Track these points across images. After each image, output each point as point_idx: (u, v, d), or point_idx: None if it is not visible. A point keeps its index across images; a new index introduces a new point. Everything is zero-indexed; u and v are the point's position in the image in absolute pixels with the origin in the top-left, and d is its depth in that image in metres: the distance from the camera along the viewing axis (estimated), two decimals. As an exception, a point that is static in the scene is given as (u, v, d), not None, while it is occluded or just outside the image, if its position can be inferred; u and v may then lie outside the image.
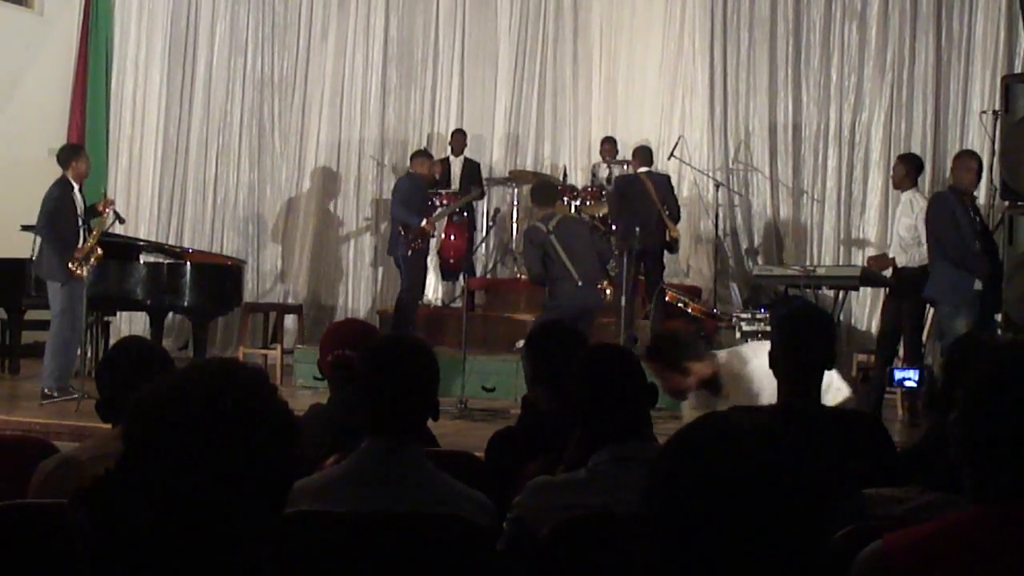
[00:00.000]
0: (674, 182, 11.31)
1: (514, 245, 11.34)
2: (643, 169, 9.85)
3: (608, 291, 8.90)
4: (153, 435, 1.45)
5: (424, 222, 9.93)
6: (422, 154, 10.53)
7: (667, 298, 9.84)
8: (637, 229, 9.23)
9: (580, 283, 8.52)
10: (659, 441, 3.08)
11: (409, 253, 10.08)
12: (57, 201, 8.71)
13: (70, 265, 8.50)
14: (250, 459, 1.45)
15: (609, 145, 10.96)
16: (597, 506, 2.58)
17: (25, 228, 10.11)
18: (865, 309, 10.54)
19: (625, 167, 10.64)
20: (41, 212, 8.77)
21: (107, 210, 8.96)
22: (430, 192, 10.73)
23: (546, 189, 9.23)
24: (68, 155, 9.02)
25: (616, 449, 2.70)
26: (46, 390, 8.47)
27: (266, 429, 1.48)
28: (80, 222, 8.80)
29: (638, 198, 9.63)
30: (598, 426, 2.76)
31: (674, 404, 7.87)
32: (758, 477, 1.34)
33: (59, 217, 8.67)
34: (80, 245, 8.63)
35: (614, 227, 9.96)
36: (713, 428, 1.43)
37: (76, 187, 8.86)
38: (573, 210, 10.41)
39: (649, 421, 2.87)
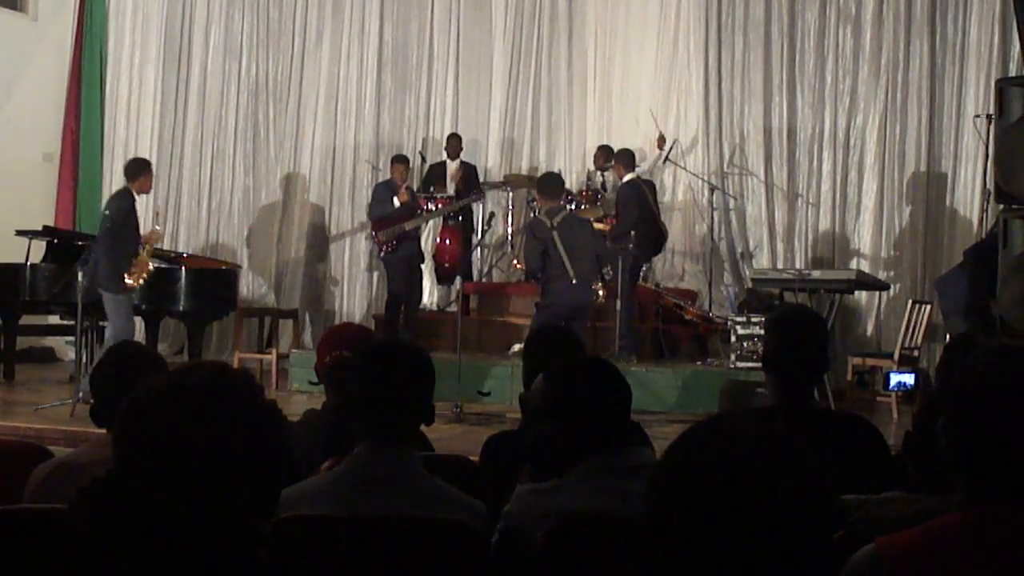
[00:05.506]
0: (668, 186, 11.40)
1: (510, 243, 11.34)
2: (631, 175, 9.91)
3: (601, 292, 8.94)
4: (142, 439, 1.46)
5: (379, 232, 10.12)
6: (396, 159, 10.77)
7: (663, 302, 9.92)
8: (632, 234, 9.39)
9: (574, 281, 8.59)
10: (653, 445, 3.09)
11: (381, 254, 10.19)
12: (124, 214, 8.67)
13: (127, 278, 8.48)
14: (239, 460, 1.45)
15: (601, 153, 10.95)
16: (588, 512, 2.56)
17: (20, 233, 10.11)
18: (860, 313, 10.56)
19: (602, 174, 10.78)
20: (104, 223, 8.71)
21: (157, 229, 9.13)
22: (423, 197, 10.80)
23: (554, 181, 9.28)
24: (138, 169, 8.92)
25: (607, 458, 2.64)
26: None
27: (254, 430, 1.48)
28: (139, 236, 8.85)
29: (644, 205, 9.70)
30: (584, 436, 2.67)
31: (668, 406, 7.93)
32: (762, 482, 1.35)
33: (123, 229, 8.64)
34: (135, 259, 8.67)
35: (630, 233, 9.91)
36: (716, 433, 1.43)
37: (136, 200, 8.87)
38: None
39: (630, 428, 2.85)
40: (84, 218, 12.40)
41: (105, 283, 8.50)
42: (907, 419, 8.30)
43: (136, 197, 8.83)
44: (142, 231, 8.85)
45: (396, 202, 10.30)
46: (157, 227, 9.29)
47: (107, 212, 8.78)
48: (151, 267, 8.81)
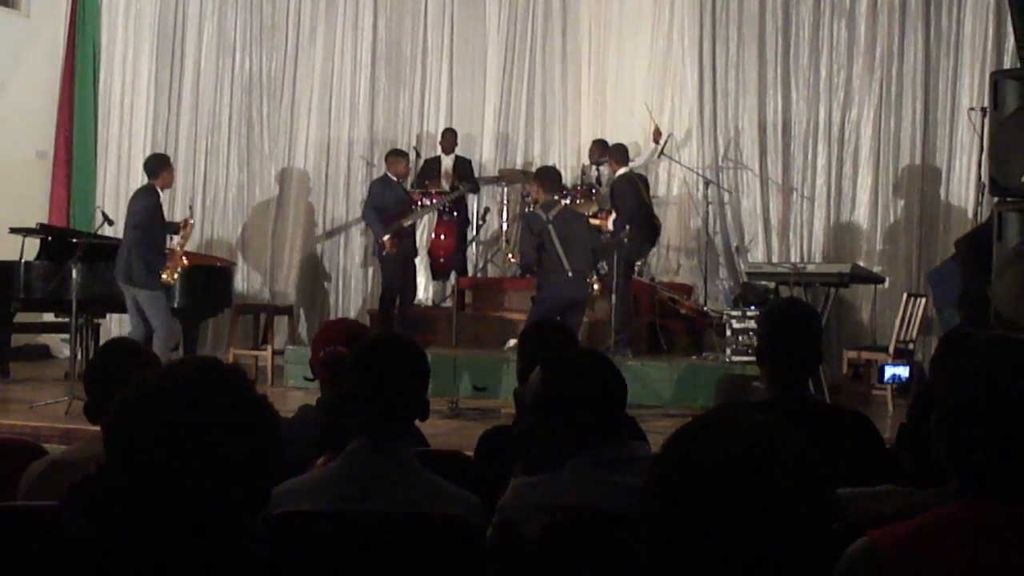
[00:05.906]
0: (663, 180, 11.39)
1: (505, 238, 11.34)
2: (624, 169, 9.92)
3: (596, 286, 8.96)
4: (133, 434, 1.45)
5: (387, 237, 9.96)
6: (395, 153, 10.61)
7: (657, 296, 9.92)
8: (627, 227, 9.38)
9: (570, 275, 8.60)
10: (648, 439, 3.09)
11: (383, 253, 10.14)
12: (152, 211, 8.77)
13: (163, 275, 8.65)
14: (230, 455, 1.45)
15: (596, 146, 10.95)
16: (583, 506, 2.57)
17: (13, 231, 10.09)
18: (855, 306, 10.56)
19: (597, 168, 10.80)
20: (132, 221, 8.78)
21: (189, 227, 9.25)
22: (418, 192, 10.77)
23: (553, 174, 9.30)
24: (158, 165, 9.02)
25: (601, 451, 2.65)
26: None
27: (245, 425, 1.48)
28: (168, 231, 9.05)
29: (639, 198, 9.73)
30: (579, 430, 2.67)
31: (664, 400, 7.92)
32: (759, 475, 1.35)
33: (152, 226, 8.74)
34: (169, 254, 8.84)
35: (626, 227, 9.84)
36: (713, 427, 1.43)
37: (160, 196, 8.99)
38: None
39: (626, 421, 2.85)
40: (78, 215, 12.39)
41: (141, 281, 8.63)
42: (902, 412, 8.29)
43: (160, 192, 8.93)
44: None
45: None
46: (191, 220, 9.45)
47: (131, 210, 8.88)
48: (185, 260, 8.96)
